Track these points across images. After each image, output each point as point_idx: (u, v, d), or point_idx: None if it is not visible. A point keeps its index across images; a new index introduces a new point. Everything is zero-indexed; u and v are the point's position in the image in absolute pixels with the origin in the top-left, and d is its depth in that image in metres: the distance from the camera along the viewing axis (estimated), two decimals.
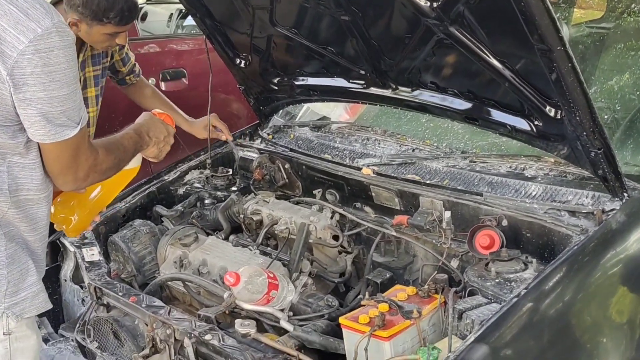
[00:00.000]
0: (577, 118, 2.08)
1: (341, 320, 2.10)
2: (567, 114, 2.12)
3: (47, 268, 2.91)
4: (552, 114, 2.20)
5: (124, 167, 2.10)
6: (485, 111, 2.46)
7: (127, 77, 3.32)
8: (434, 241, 2.50)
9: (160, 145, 2.22)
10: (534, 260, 2.22)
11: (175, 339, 2.22)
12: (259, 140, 3.30)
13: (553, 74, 2.00)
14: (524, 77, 2.20)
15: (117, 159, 2.02)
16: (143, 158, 2.28)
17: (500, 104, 2.41)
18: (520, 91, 2.24)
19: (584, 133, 2.11)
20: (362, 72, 2.73)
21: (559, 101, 2.14)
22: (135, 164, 2.23)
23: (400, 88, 2.68)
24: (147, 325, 2.33)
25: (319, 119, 3.33)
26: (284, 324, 2.18)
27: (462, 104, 2.51)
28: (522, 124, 2.37)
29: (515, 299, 1.98)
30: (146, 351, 2.26)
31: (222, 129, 3.25)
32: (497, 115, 2.43)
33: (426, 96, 2.61)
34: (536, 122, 2.31)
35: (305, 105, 3.36)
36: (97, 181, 2.01)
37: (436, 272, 2.38)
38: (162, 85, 4.66)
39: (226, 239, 2.80)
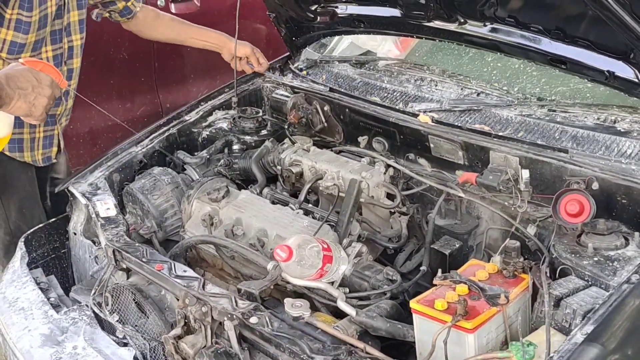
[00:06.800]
0: None
1: (413, 305, 1.77)
2: None
3: (54, 219, 2.63)
4: None
5: None
6: (576, 53, 2.07)
7: (130, 3, 2.89)
8: (506, 203, 2.16)
9: (29, 99, 1.81)
10: (636, 233, 1.88)
11: (212, 319, 1.89)
12: (290, 76, 2.91)
13: None
14: (638, 14, 1.81)
15: None
16: None
17: (597, 46, 2.02)
18: (630, 31, 1.85)
19: None
20: (423, 0, 2.32)
21: None
22: (3, 131, 1.83)
23: (470, 22, 2.27)
24: (176, 298, 2.01)
25: (362, 54, 2.92)
26: (343, 305, 1.85)
27: (548, 44, 2.12)
28: (624, 69, 2.00)
29: (627, 286, 1.65)
30: (178, 330, 1.94)
31: (253, 62, 2.86)
32: (591, 58, 2.05)
33: (501, 33, 2.21)
34: None
35: (344, 37, 2.95)
36: None
37: (508, 238, 2.06)
38: (172, 7, 4.21)
39: (261, 192, 2.44)
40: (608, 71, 2.03)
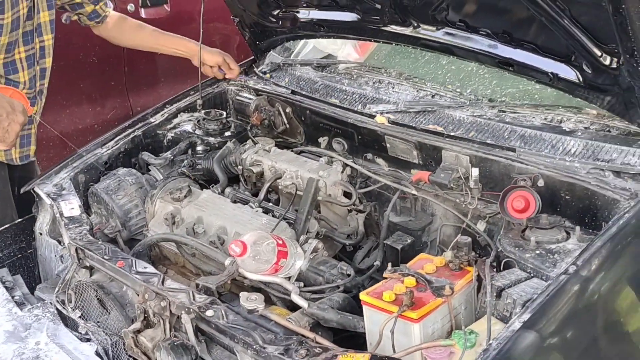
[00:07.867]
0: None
1: (362, 297, 1.84)
2: (627, 62, 1.84)
3: (20, 220, 2.66)
4: (607, 62, 1.92)
5: None
6: (522, 56, 2.16)
7: (98, 6, 2.92)
8: (457, 200, 2.23)
9: (3, 125, 1.87)
10: (577, 227, 1.97)
11: (170, 313, 1.95)
12: (254, 79, 2.97)
13: (618, 16, 1.71)
14: (577, 20, 1.90)
15: None
16: None
17: (541, 49, 2.11)
18: (570, 35, 1.95)
19: None
20: (379, 5, 2.40)
21: (616, 48, 1.86)
22: None
23: (423, 26, 2.35)
24: (137, 294, 2.06)
25: (323, 57, 2.99)
26: (296, 298, 1.92)
27: (496, 47, 2.20)
28: (566, 71, 2.08)
29: (564, 277, 1.73)
30: (137, 325, 1.99)
31: (224, 69, 2.92)
32: (536, 61, 2.14)
33: (453, 37, 2.30)
34: (585, 71, 2.02)
35: (308, 41, 3.02)
36: None
37: (460, 234, 2.13)
38: (142, 12, 4.25)
39: (222, 192, 2.50)
40: (552, 73, 2.12)
